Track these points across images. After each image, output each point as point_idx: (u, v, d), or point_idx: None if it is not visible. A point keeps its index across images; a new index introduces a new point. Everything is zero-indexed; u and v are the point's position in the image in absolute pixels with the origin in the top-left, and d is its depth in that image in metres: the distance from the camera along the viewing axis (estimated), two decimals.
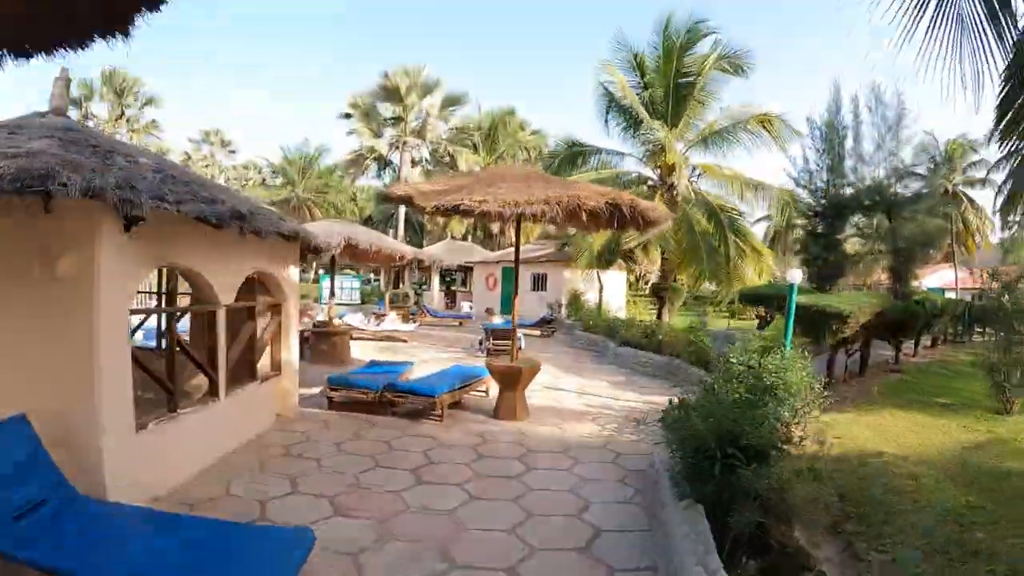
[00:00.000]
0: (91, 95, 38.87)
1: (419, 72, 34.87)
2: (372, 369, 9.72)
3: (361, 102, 35.71)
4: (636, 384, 11.78)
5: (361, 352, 13.89)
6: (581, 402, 9.99)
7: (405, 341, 16.66)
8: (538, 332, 19.99)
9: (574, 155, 19.98)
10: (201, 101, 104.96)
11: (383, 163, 39.48)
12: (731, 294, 21.62)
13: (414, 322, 22.54)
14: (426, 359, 13.08)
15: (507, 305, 28.49)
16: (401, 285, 36.90)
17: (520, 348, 14.95)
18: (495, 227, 36.89)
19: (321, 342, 12.61)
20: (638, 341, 14.03)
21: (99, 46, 3.66)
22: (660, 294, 20.20)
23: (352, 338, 16.48)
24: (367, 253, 12.89)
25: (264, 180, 56.97)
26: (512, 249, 30.94)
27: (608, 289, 25.51)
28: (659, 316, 19.56)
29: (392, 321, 17.74)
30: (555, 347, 17.23)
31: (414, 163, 39.17)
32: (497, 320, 16.09)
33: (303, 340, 12.87)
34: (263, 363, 7.64)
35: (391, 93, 34.81)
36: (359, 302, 31.25)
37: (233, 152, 57.54)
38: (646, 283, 25.73)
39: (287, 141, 74.72)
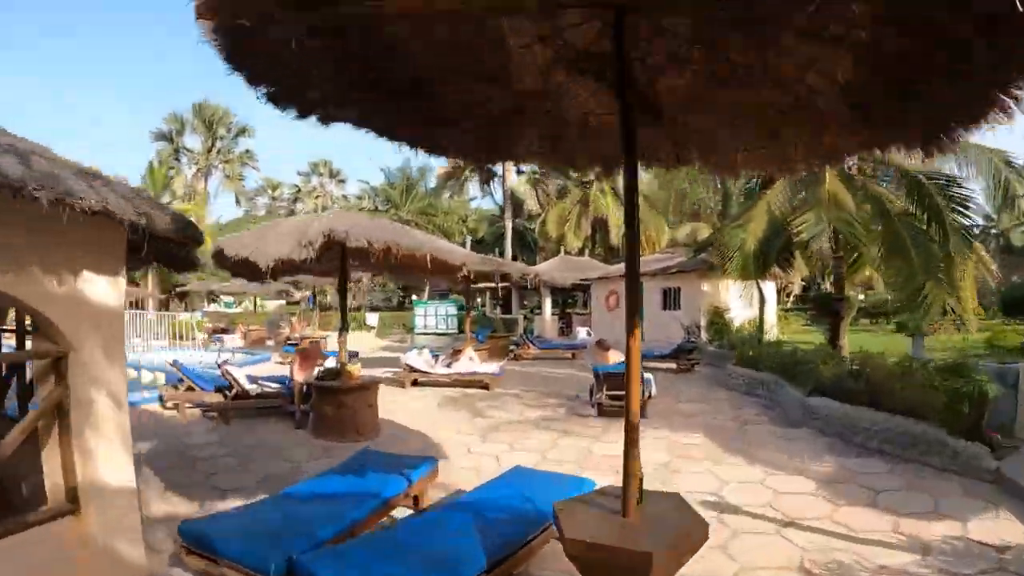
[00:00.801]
0: (183, 129, 38.33)
1: None
2: (329, 483, 4.99)
3: None
4: (869, 484, 6.08)
5: (414, 411, 9.86)
6: (781, 551, 4.62)
7: (486, 387, 12.13)
8: (674, 365, 14.74)
9: None
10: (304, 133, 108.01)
11: (485, 175, 35.66)
12: (942, 303, 14.78)
13: (510, 358, 17.95)
14: (497, 428, 8.53)
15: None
16: (496, 311, 32.72)
17: (649, 396, 9.95)
18: (614, 233, 31.69)
19: (325, 403, 8.23)
20: (840, 385, 8.48)
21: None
22: (831, 307, 14.17)
23: (417, 384, 12.28)
24: (398, 260, 8.40)
25: (377, 207, 55.57)
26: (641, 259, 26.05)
27: (741, 304, 19.66)
28: (833, 339, 13.57)
29: (468, 361, 13.12)
30: (699, 388, 12.01)
31: (519, 171, 35.01)
32: (613, 358, 10.96)
33: (305, 397, 8.69)
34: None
35: None
36: (455, 331, 27.08)
37: (343, 182, 56.32)
38: (788, 294, 19.88)
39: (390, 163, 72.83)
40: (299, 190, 56.65)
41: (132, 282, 34.53)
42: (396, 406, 10.40)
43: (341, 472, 5.22)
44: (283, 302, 42.59)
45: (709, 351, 16.03)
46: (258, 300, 41.40)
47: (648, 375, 10.31)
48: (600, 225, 32.73)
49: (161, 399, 9.87)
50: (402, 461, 5.47)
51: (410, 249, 7.76)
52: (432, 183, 44.40)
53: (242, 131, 40.88)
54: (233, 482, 6.23)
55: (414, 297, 33.56)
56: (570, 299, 35.29)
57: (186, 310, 32.42)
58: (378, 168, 65.07)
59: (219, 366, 9.76)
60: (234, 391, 9.16)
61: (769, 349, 12.35)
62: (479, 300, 38.54)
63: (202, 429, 8.56)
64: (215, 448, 7.59)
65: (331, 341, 22.81)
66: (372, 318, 32.72)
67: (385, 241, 7.47)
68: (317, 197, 54.66)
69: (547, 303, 29.48)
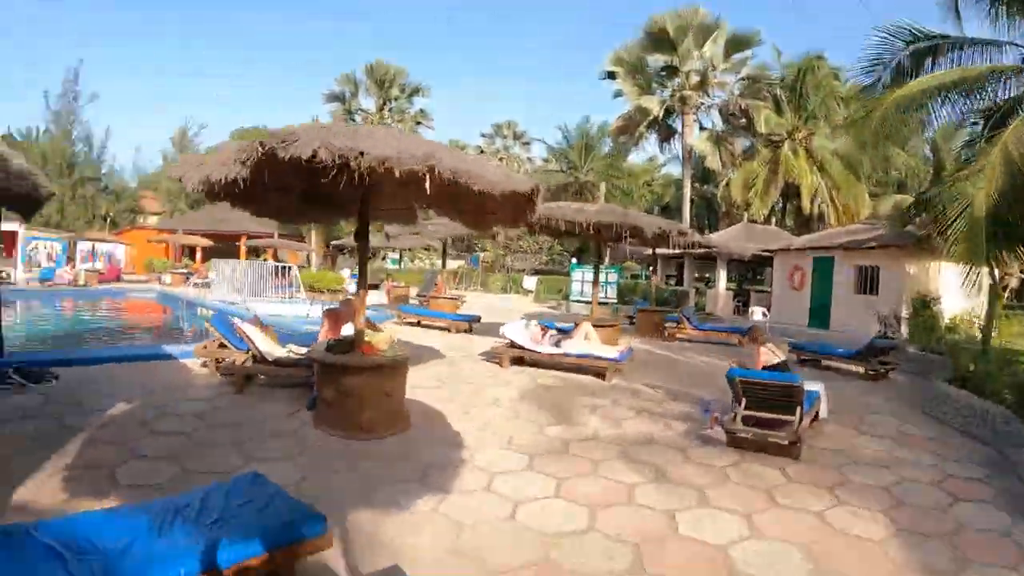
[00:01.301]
0: (356, 90, 39.15)
1: (693, 14, 27.30)
2: (115, 524, 2.97)
3: (627, 55, 29.34)
4: None
5: (481, 402, 7.66)
6: None
7: (601, 376, 9.91)
8: (860, 369, 11.61)
9: (919, 55, 11.30)
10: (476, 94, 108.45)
11: (663, 130, 32.56)
12: None
13: (662, 338, 15.69)
14: (563, 450, 6.03)
15: (819, 316, 19.64)
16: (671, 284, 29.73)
17: (815, 419, 7.50)
18: (807, 201, 27.36)
19: (326, 384, 6.26)
20: None
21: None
22: None
23: (522, 363, 10.51)
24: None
25: (562, 169, 53.84)
26: (833, 231, 21.63)
27: (952, 293, 15.29)
28: None
29: (584, 342, 10.83)
30: (892, 413, 8.44)
31: (701, 127, 31.53)
32: (766, 357, 8.02)
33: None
34: None
35: (659, 41, 27.86)
36: (616, 300, 24.82)
37: (527, 143, 55.02)
38: (1005, 287, 15.33)
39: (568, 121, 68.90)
40: (482, 152, 56.22)
41: (299, 236, 36.31)
42: (468, 389, 8.51)
43: (152, 511, 3.28)
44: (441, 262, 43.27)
45: (909, 352, 12.55)
46: (426, 258, 42.06)
47: (817, 387, 7.69)
48: (791, 191, 28.52)
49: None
50: (275, 509, 3.39)
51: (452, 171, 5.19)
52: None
53: (416, 90, 40.98)
54: (139, 477, 4.76)
55: (573, 260, 31.70)
56: (753, 274, 31.49)
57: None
58: (554, 127, 61.56)
59: (241, 323, 8.41)
60: (249, 354, 7.87)
61: (1002, 365, 8.90)
62: (651, 268, 35.77)
63: (209, 394, 7.31)
64: (189, 421, 6.17)
65: (474, 304, 21.83)
66: (530, 281, 31.46)
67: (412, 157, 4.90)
68: (501, 159, 53.94)
69: (722, 276, 26.20)
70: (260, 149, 4.85)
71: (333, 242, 32.67)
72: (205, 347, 8.87)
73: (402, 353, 6.73)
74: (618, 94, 30.91)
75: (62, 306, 20.59)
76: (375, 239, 26.60)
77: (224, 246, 31.38)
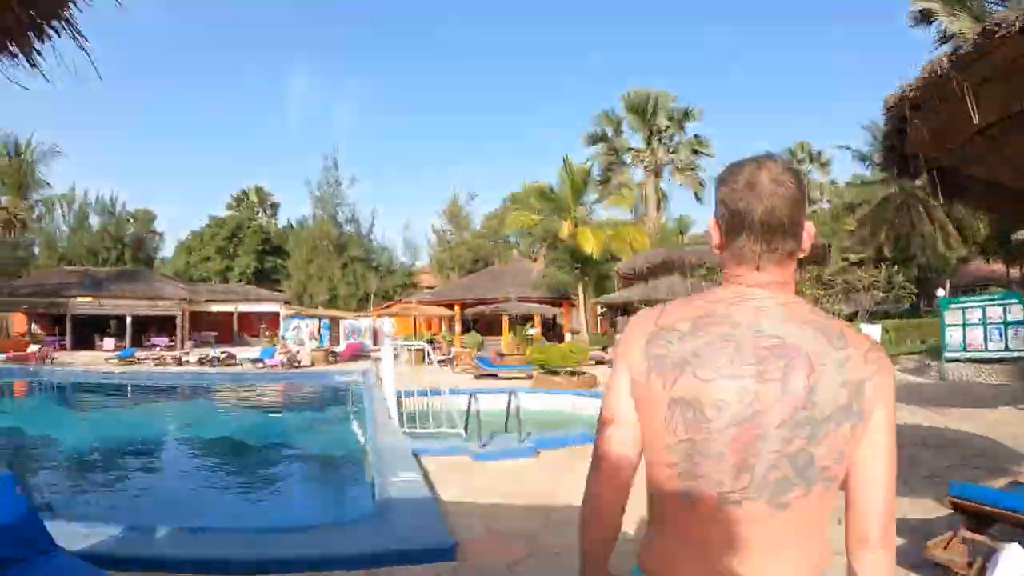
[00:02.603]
0: (618, 126, 32.89)
1: None
2: None
3: None
4: None
5: None
6: None
7: None
8: None
9: None
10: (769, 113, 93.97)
11: None
12: None
13: None
14: None
15: None
16: None
17: None
18: None
19: None
20: None
21: None
22: None
23: None
24: None
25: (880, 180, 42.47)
26: None
27: None
28: None
29: None
30: None
31: None
32: None
33: None
34: None
35: None
36: (1019, 351, 14.13)
37: (825, 165, 44.41)
38: None
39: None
40: None
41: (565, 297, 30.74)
42: None
43: None
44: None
45: None
46: None
47: None
48: None
49: None
50: None
51: None
52: None
53: (686, 115, 33.79)
54: None
55: (939, 293, 20.10)
56: None
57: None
58: (859, 126, 46.54)
59: None
60: None
61: None
62: None
63: None
64: None
65: None
66: (872, 329, 20.48)
67: None
68: None
69: None
70: None
71: (604, 298, 24.80)
72: None
73: None
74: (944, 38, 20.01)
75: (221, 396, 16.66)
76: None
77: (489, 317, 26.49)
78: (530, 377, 14.54)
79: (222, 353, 26.70)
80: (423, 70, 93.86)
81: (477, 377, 16.77)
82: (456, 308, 26.02)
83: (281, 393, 19.37)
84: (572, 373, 13.88)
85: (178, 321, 37.87)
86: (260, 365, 24.24)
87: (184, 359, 26.86)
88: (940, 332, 16.26)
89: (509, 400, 7.49)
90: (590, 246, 23.81)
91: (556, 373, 13.71)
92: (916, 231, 30.42)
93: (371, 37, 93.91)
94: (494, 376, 16.69)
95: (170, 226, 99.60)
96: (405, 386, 13.94)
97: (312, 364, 24.82)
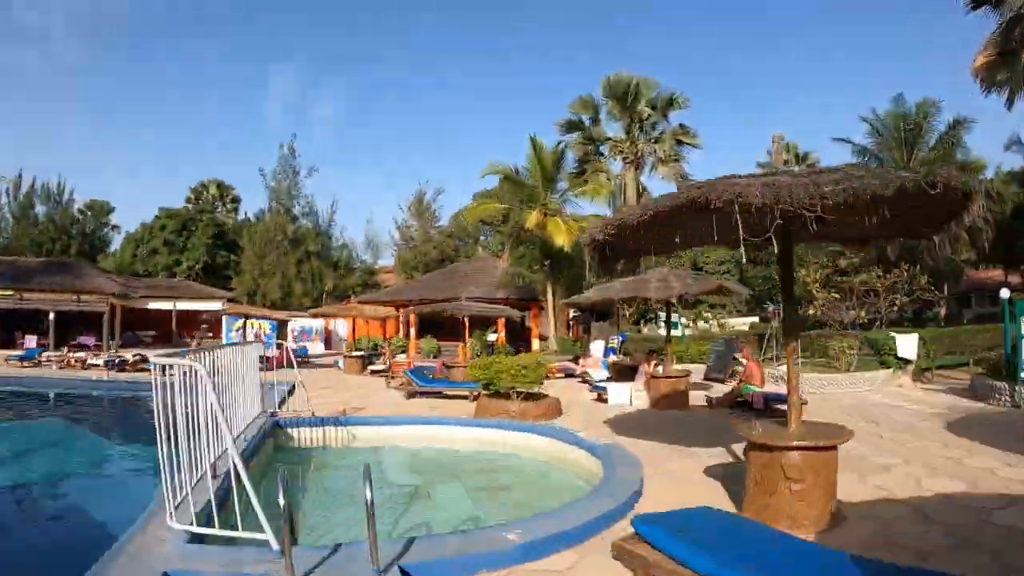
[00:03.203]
0: (596, 114, 29.56)
1: None
2: None
3: None
4: None
5: None
6: None
7: None
8: None
9: None
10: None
11: None
12: None
13: None
14: None
15: None
16: None
17: None
18: None
19: None
20: None
21: None
22: None
23: None
24: None
25: None
26: None
27: None
28: None
29: None
30: None
31: None
32: None
33: None
34: None
35: None
36: None
37: (812, 166, 41.78)
38: None
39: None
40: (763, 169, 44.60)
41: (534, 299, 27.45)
42: None
43: None
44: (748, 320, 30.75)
45: None
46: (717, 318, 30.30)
47: None
48: None
49: None
50: None
51: None
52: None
53: (670, 102, 30.59)
54: None
55: (1003, 293, 14.54)
56: None
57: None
58: (858, 117, 43.22)
59: None
60: None
61: None
62: None
63: None
64: None
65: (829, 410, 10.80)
66: (907, 343, 15.57)
67: None
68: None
69: None
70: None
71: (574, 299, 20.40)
72: None
73: None
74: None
75: None
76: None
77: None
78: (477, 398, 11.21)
79: (134, 356, 22.92)
80: (402, 60, 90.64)
81: (410, 396, 13.33)
82: (402, 311, 22.47)
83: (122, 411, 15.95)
84: (528, 396, 10.49)
85: (105, 319, 34.12)
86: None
87: (90, 362, 23.16)
88: (1004, 344, 12.37)
89: (365, 477, 3.82)
90: (561, 238, 20.52)
91: (506, 396, 10.34)
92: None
93: (348, 34, 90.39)
94: (438, 395, 13.28)
95: (130, 220, 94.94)
96: (292, 410, 10.59)
97: None
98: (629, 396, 11.84)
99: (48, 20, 78.76)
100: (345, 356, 20.57)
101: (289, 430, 10.09)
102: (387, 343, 23.35)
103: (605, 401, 12.07)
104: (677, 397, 11.25)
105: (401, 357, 21.39)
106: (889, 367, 13.86)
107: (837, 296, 16.40)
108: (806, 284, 16.07)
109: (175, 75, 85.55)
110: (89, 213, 55.59)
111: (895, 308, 16.20)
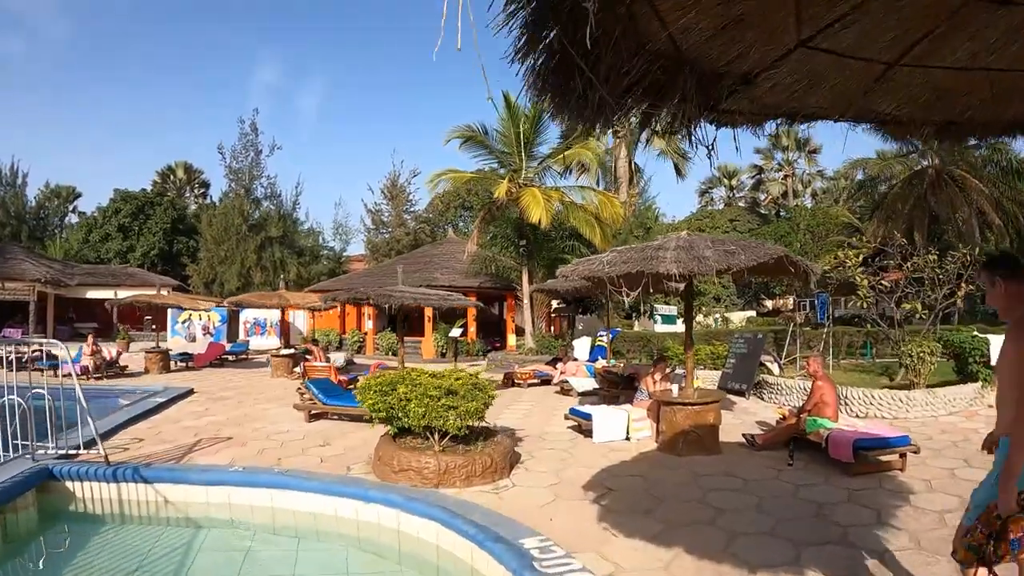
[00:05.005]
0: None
1: None
2: None
3: None
4: None
5: None
6: None
7: None
8: None
9: None
10: None
11: None
12: None
13: None
14: None
15: None
16: None
17: None
18: None
19: None
20: None
21: None
22: None
23: None
24: None
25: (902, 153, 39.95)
26: None
27: None
28: None
29: None
30: None
31: None
32: None
33: None
34: None
35: None
36: None
37: (814, 152, 38.92)
38: None
39: None
40: (760, 171, 44.95)
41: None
42: None
43: None
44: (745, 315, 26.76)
45: None
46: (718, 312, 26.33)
47: None
48: None
49: None
50: None
51: None
52: None
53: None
54: None
55: None
56: None
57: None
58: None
59: None
60: None
61: None
62: None
63: None
64: None
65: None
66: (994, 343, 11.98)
67: None
68: (787, 177, 42.63)
69: None
70: None
71: (549, 284, 15.59)
72: None
73: None
74: None
75: None
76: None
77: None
78: None
79: (34, 351, 18.97)
80: (383, 42, 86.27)
81: (311, 418, 9.44)
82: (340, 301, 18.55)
83: None
84: (461, 439, 6.50)
85: (31, 308, 30.30)
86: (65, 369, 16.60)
87: None
88: None
89: None
90: (538, 212, 16.66)
91: (422, 436, 6.44)
92: (956, 214, 24.05)
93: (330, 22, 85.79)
94: (351, 417, 9.37)
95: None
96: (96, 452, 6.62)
97: (146, 371, 17.32)
98: (625, 428, 7.95)
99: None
100: (272, 355, 16.71)
101: (69, 484, 6.26)
102: (315, 340, 19.59)
103: (589, 434, 8.16)
104: (704, 435, 7.26)
105: (337, 356, 17.45)
106: (976, 379, 10.18)
107: (885, 286, 12.65)
108: (847, 270, 12.35)
109: (149, 56, 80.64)
110: (57, 200, 52.27)
111: (955, 300, 12.52)
